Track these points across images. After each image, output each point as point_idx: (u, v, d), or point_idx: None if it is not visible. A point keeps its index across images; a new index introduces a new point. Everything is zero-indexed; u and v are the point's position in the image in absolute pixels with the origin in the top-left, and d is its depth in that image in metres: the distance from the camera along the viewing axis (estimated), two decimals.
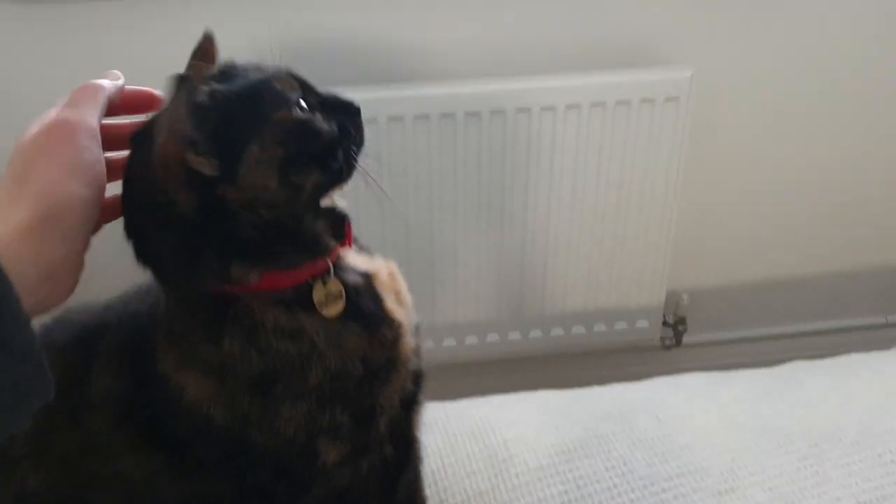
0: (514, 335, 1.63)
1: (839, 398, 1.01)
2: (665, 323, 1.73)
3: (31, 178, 0.53)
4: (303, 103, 0.62)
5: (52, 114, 0.56)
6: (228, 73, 0.61)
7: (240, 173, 0.58)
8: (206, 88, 0.57)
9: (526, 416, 0.98)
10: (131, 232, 0.62)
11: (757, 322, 1.86)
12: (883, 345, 1.83)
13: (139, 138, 0.60)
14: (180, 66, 0.63)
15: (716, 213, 1.68)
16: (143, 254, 0.62)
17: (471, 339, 1.62)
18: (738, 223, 1.70)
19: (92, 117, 0.57)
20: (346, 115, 0.65)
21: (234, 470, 0.64)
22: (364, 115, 0.66)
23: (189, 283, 0.62)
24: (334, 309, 0.65)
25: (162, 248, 0.60)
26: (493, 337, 1.63)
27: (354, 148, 0.65)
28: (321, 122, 0.63)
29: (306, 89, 0.64)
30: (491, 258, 1.52)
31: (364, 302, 0.67)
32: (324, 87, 0.66)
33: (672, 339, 1.76)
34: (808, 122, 1.61)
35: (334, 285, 0.66)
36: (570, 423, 0.97)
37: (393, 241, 1.46)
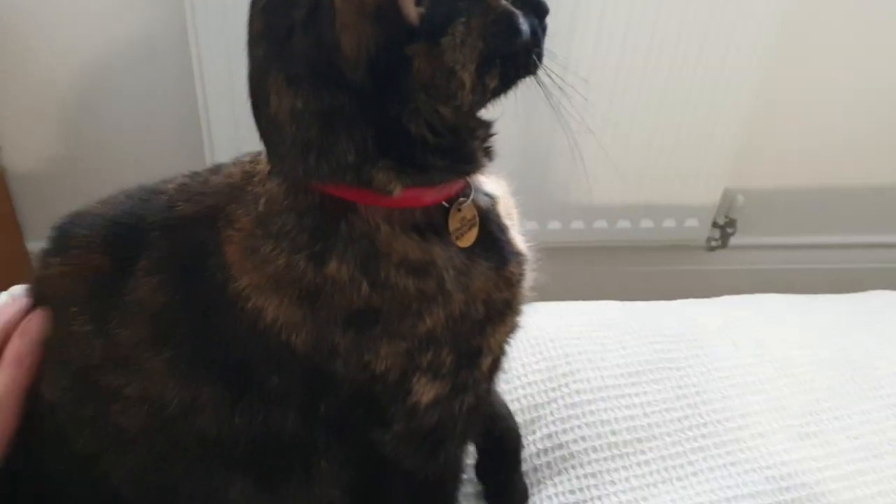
0: (555, 224, 1.53)
1: None
2: (714, 223, 1.63)
3: None
4: None
5: None
6: None
7: (442, 42, 0.46)
8: None
9: (589, 331, 0.89)
10: (254, 82, 0.50)
11: (805, 230, 1.76)
12: None
13: None
14: None
15: (789, 111, 1.54)
16: (262, 117, 0.50)
17: None
18: (812, 124, 1.57)
19: None
20: (537, 17, 0.51)
21: (304, 399, 0.54)
22: None
23: (311, 170, 0.48)
24: (469, 239, 0.54)
25: (294, 110, 0.47)
26: (531, 225, 1.52)
27: (537, 57, 0.51)
28: (523, 21, 0.49)
29: None
30: (540, 138, 1.39)
31: (494, 230, 0.56)
32: None
33: (718, 240, 1.66)
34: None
35: (469, 210, 0.54)
36: (639, 343, 0.88)
37: None
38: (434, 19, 0.45)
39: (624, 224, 1.55)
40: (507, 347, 0.61)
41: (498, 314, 0.56)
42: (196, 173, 0.58)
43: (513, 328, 0.59)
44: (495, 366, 0.60)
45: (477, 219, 0.55)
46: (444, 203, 0.53)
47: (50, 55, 1.36)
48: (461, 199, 0.54)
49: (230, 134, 1.32)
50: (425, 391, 0.55)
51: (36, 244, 1.55)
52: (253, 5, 0.50)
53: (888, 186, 1.69)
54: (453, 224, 0.54)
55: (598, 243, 1.58)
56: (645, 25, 1.30)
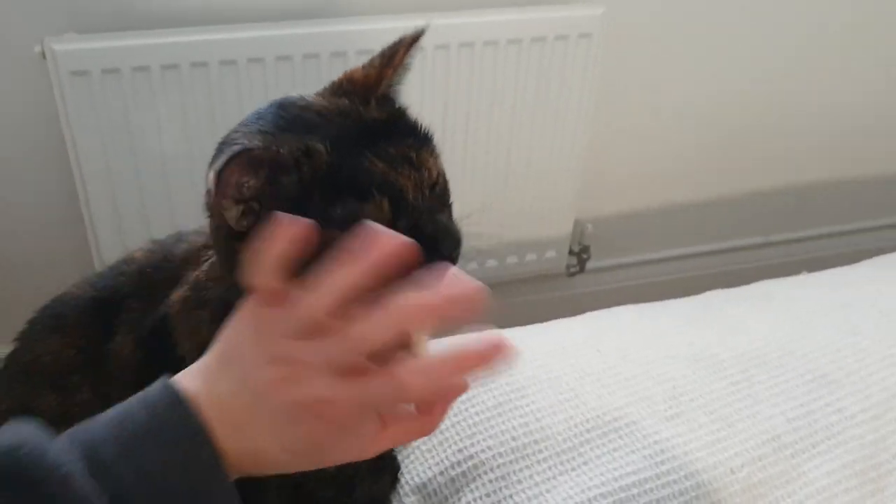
0: None
1: (760, 324, 1.09)
2: (570, 252, 1.80)
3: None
4: None
5: None
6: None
7: None
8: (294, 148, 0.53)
9: None
10: None
11: (649, 247, 1.97)
12: (766, 261, 1.99)
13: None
14: None
15: (619, 144, 1.74)
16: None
17: None
18: (639, 154, 1.78)
19: None
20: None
21: None
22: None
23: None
24: None
25: (211, 227, 0.59)
26: None
27: None
28: None
29: None
30: None
31: None
32: None
33: (577, 266, 1.84)
34: (704, 61, 1.69)
35: None
36: (522, 363, 1.00)
37: None
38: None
39: (492, 263, 1.70)
40: None
41: None
42: (159, 242, 0.69)
43: None
44: None
45: None
46: None
47: None
48: None
49: (114, 226, 1.38)
50: None
51: None
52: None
53: (713, 200, 1.92)
54: None
55: None
56: (484, 84, 1.46)
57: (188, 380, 0.50)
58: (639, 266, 1.97)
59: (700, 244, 2.01)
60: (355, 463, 0.65)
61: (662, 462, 0.89)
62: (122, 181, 1.35)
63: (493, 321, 1.09)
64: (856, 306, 1.16)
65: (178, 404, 0.48)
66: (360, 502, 0.74)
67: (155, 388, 0.49)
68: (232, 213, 0.53)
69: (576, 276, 1.87)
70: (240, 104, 1.33)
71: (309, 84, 1.32)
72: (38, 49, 1.26)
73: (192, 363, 0.58)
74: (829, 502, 0.89)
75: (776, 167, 1.94)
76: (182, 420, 0.47)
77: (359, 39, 1.34)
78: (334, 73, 1.32)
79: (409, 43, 0.63)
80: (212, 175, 0.51)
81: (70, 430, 0.47)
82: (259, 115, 0.58)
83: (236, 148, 0.50)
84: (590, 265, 1.86)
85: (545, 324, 1.12)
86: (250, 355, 0.49)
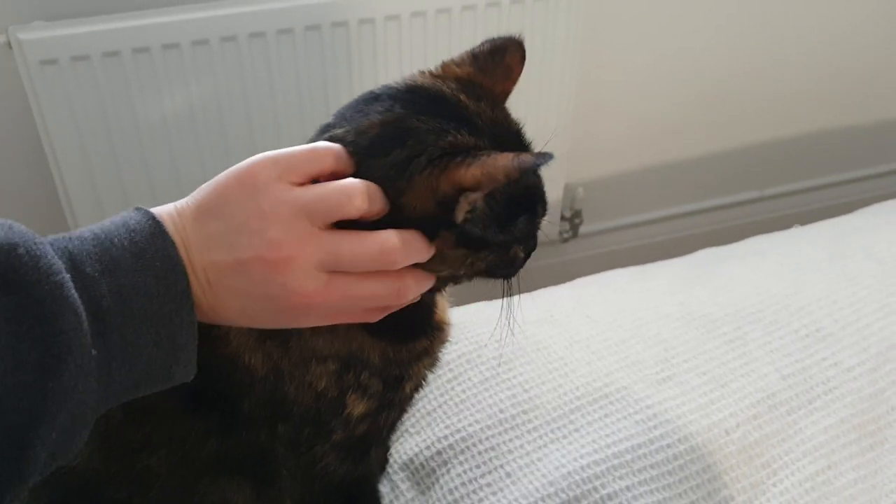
0: None
1: (753, 281, 1.07)
2: (563, 217, 1.77)
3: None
4: None
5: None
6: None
7: (460, 249, 0.58)
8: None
9: (463, 334, 0.98)
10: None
11: (640, 208, 1.94)
12: (762, 216, 1.97)
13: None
14: None
15: (607, 105, 1.71)
16: None
17: None
18: (628, 114, 1.74)
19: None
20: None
21: (268, 420, 0.64)
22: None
23: None
24: None
25: None
26: None
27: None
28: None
29: None
30: None
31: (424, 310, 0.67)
32: None
33: (569, 231, 1.81)
34: (690, 14, 1.65)
35: None
36: (508, 334, 0.98)
37: None
38: (472, 232, 0.56)
39: None
40: (428, 375, 0.72)
41: (407, 363, 0.67)
42: None
43: (431, 364, 0.70)
44: (416, 389, 0.71)
45: None
46: None
47: None
48: None
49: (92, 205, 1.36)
50: (356, 406, 0.65)
51: None
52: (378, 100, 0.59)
53: (704, 156, 1.89)
54: None
55: None
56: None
57: (165, 216, 0.51)
58: (632, 228, 1.95)
59: (693, 202, 1.98)
60: (375, 433, 0.68)
61: (655, 427, 0.87)
62: (99, 169, 1.33)
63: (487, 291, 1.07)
64: (851, 256, 1.14)
65: (158, 235, 0.49)
66: (370, 468, 0.75)
67: (134, 215, 0.50)
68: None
69: (569, 241, 1.85)
70: (215, 84, 1.30)
71: (284, 61, 1.31)
72: (2, 39, 1.23)
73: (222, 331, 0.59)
74: (827, 458, 0.87)
75: (766, 120, 1.90)
76: (162, 251, 0.49)
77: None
78: (310, 45, 1.31)
79: (521, 57, 0.65)
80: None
81: (50, 240, 0.47)
82: (419, 107, 0.57)
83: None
84: (582, 229, 1.83)
85: (532, 293, 1.10)
86: (253, 223, 0.49)
